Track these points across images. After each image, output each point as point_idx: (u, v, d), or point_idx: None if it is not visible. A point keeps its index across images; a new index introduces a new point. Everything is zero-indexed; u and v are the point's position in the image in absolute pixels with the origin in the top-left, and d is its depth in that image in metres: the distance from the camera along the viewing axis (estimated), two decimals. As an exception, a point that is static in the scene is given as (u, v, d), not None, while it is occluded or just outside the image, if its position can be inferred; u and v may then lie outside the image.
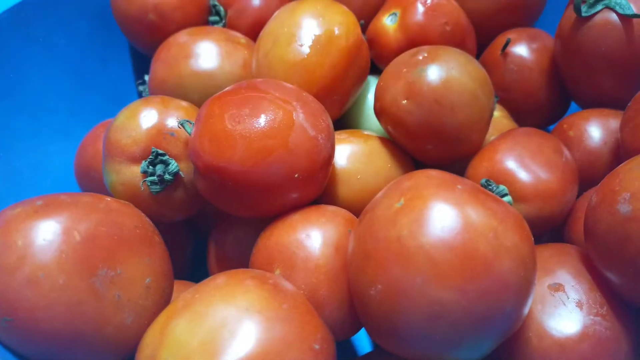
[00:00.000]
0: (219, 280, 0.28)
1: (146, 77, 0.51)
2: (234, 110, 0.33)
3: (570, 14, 0.44)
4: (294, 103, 0.34)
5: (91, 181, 0.46)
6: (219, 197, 0.35)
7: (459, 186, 0.28)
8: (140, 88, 0.54)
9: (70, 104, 0.51)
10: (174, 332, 0.25)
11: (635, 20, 0.40)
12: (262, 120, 0.33)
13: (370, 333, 0.29)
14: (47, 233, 0.27)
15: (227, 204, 0.35)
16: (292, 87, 0.37)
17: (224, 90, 0.36)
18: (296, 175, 0.33)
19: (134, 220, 0.31)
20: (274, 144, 0.32)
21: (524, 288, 0.26)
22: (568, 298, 0.30)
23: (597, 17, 0.41)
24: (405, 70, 0.39)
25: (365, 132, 0.43)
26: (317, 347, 0.26)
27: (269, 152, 0.32)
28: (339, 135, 0.42)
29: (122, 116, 0.38)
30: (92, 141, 0.47)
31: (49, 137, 0.49)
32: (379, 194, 0.31)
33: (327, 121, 0.36)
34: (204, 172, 0.33)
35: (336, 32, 0.41)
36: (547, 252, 0.34)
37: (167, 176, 0.36)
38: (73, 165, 0.49)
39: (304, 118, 0.34)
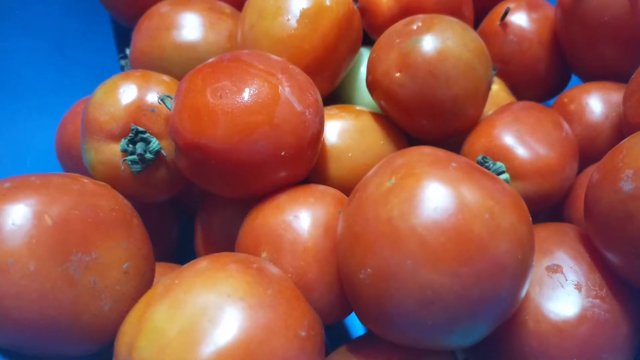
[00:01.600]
0: (200, 265, 0.27)
1: (128, 51, 0.49)
2: (215, 84, 0.31)
3: (573, -18, 0.42)
4: (280, 76, 0.32)
5: (73, 160, 0.45)
6: (201, 177, 0.33)
7: (454, 164, 0.26)
8: (122, 62, 0.52)
9: (50, 80, 0.49)
10: (152, 319, 0.24)
11: (640, -13, 0.38)
12: (246, 95, 0.31)
13: (360, 318, 0.29)
14: (16, 217, 0.25)
15: (211, 184, 0.34)
16: (278, 59, 0.35)
17: (206, 62, 0.34)
18: (282, 153, 0.31)
19: (110, 202, 0.29)
20: (258, 120, 0.30)
21: (521, 271, 0.25)
22: (566, 280, 0.30)
23: (601, -15, 0.40)
24: (398, 40, 0.38)
25: (357, 108, 0.42)
26: (303, 333, 0.25)
27: (253, 128, 0.30)
28: (329, 111, 0.40)
29: (100, 92, 0.36)
30: (72, 118, 0.45)
31: (28, 114, 0.47)
32: (370, 172, 0.30)
33: (315, 95, 0.34)
34: (184, 150, 0.32)
35: (326, 2, 0.39)
36: (544, 232, 0.33)
37: (148, 155, 0.35)
38: (54, 144, 0.47)
39: (290, 92, 0.32)
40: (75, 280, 0.26)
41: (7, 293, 0.24)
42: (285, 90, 0.32)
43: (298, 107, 0.32)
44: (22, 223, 0.25)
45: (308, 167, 0.35)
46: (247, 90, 0.31)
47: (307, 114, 0.32)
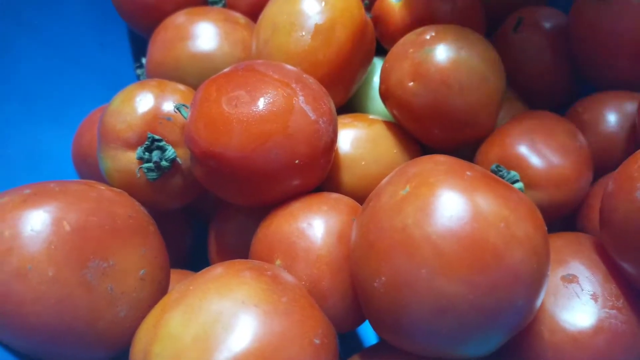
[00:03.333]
0: (215, 272, 0.27)
1: (144, 61, 0.49)
2: (230, 93, 0.32)
3: (586, -7, 0.42)
4: (294, 85, 0.33)
5: (89, 167, 0.45)
6: (216, 185, 0.34)
7: (469, 173, 0.26)
8: (138, 72, 0.53)
9: (67, 89, 0.50)
10: (167, 325, 0.24)
11: (655, -3, 0.38)
12: (260, 104, 0.31)
13: (373, 326, 0.28)
14: (35, 223, 0.26)
15: (226, 192, 0.34)
16: (292, 69, 0.35)
17: (221, 72, 0.35)
18: (296, 161, 0.32)
19: (127, 209, 0.30)
20: (273, 129, 0.31)
21: (536, 280, 0.25)
22: (582, 290, 0.29)
23: (615, -4, 0.40)
24: (411, 50, 0.38)
25: (370, 117, 0.42)
26: (317, 341, 0.25)
27: (267, 137, 0.31)
28: (343, 120, 0.40)
29: (117, 100, 0.37)
30: (89, 127, 0.46)
31: (45, 123, 0.48)
32: (384, 181, 0.30)
33: (329, 104, 0.34)
34: (200, 159, 0.32)
35: (339, 18, 0.39)
36: (560, 242, 0.32)
37: (163, 163, 0.35)
38: (70, 152, 0.48)
39: (304, 101, 0.32)
40: (93, 287, 0.26)
41: (26, 298, 0.25)
42: (300, 99, 0.32)
43: (312, 116, 0.32)
44: (41, 229, 0.26)
45: (321, 175, 0.35)
46: (261, 99, 0.31)
47: (320, 122, 0.33)
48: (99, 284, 0.26)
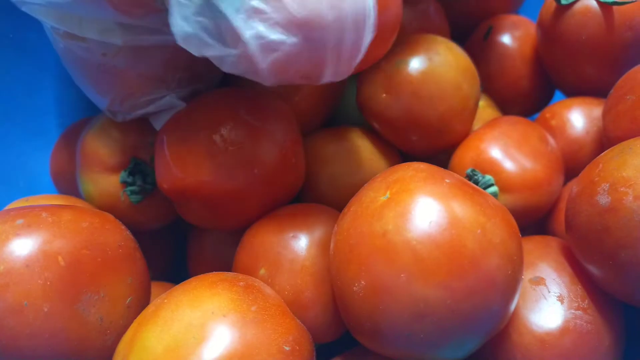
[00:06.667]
0: (189, 284, 0.27)
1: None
2: (182, 128, 0.32)
3: (551, 2, 0.43)
4: (245, 109, 0.33)
5: (67, 182, 0.44)
6: (194, 217, 0.34)
7: (447, 180, 0.27)
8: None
9: (45, 101, 0.48)
10: (142, 338, 0.25)
11: (615, 7, 0.40)
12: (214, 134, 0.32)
13: (352, 331, 0.29)
14: (30, 259, 0.26)
15: (205, 222, 0.35)
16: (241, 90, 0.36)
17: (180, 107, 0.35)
18: (255, 171, 0.32)
19: (116, 238, 0.30)
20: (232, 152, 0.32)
21: (511, 286, 0.26)
22: (549, 292, 0.30)
23: (577, 5, 0.41)
24: (383, 63, 0.38)
25: (348, 127, 0.42)
26: (287, 348, 0.25)
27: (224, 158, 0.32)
28: (322, 133, 0.41)
29: (99, 123, 0.37)
30: (67, 141, 0.45)
31: (21, 135, 0.46)
32: (365, 186, 0.30)
33: (281, 112, 0.35)
34: (170, 197, 0.33)
35: None
36: (529, 245, 0.33)
37: (147, 186, 0.35)
38: (49, 165, 0.47)
39: (246, 112, 0.33)
40: (84, 319, 0.27)
41: (21, 333, 0.25)
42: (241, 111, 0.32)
43: (261, 126, 0.33)
44: (36, 265, 0.26)
45: (292, 186, 0.35)
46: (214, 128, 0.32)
47: (267, 127, 0.33)
48: (90, 316, 0.27)
